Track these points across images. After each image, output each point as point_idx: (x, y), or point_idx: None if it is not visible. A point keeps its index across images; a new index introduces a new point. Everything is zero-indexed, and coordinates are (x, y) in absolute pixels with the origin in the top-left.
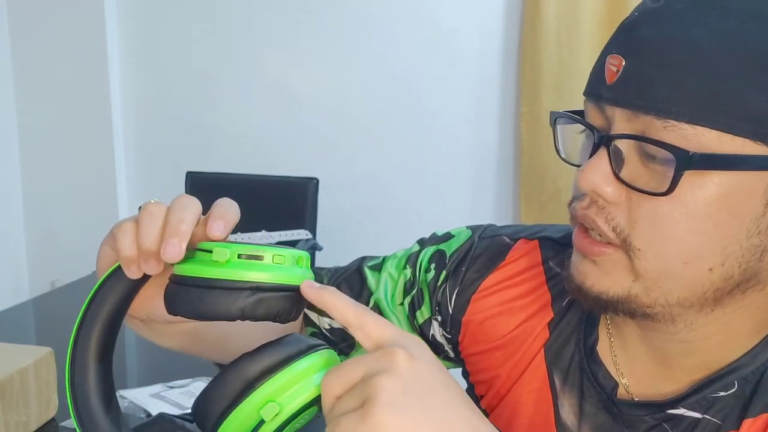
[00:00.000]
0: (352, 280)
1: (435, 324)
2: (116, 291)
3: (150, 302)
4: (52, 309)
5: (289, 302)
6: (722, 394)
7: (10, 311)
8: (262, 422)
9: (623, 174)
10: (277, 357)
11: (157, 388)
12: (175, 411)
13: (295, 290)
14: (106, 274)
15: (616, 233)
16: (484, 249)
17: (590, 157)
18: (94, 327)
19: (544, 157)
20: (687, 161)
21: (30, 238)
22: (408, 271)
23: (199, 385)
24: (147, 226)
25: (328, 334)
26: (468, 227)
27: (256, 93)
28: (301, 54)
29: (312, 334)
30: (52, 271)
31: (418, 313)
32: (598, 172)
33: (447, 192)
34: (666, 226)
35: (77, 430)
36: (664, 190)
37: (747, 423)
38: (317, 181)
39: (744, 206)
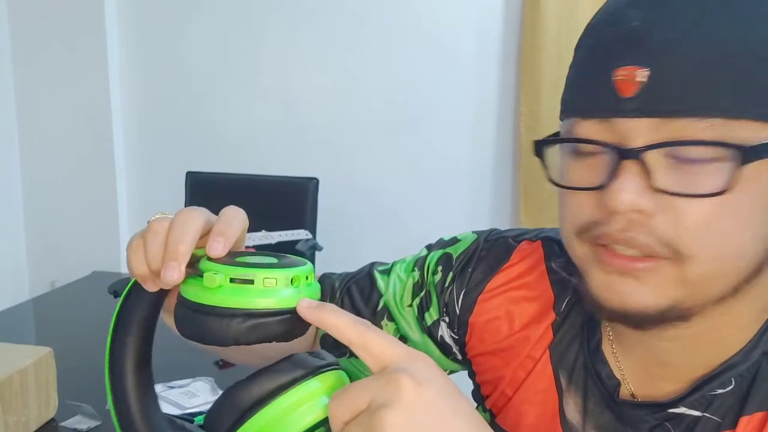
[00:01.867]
0: (363, 283)
1: (443, 325)
2: (141, 301)
3: None
4: (52, 309)
5: (284, 325)
6: (720, 391)
7: (10, 311)
8: None
9: (660, 184)
10: (283, 378)
11: (157, 388)
12: (175, 411)
13: (290, 312)
14: (128, 287)
15: (666, 246)
16: (489, 251)
17: (612, 176)
18: (128, 336)
19: None
20: (745, 155)
21: (30, 238)
22: (416, 274)
23: (199, 385)
24: (151, 246)
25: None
26: (474, 232)
27: (256, 93)
28: (301, 54)
29: (323, 337)
30: (52, 271)
31: (426, 315)
32: (632, 189)
33: (446, 192)
34: (720, 227)
35: None
36: (720, 189)
37: (743, 421)
38: (317, 181)
39: None
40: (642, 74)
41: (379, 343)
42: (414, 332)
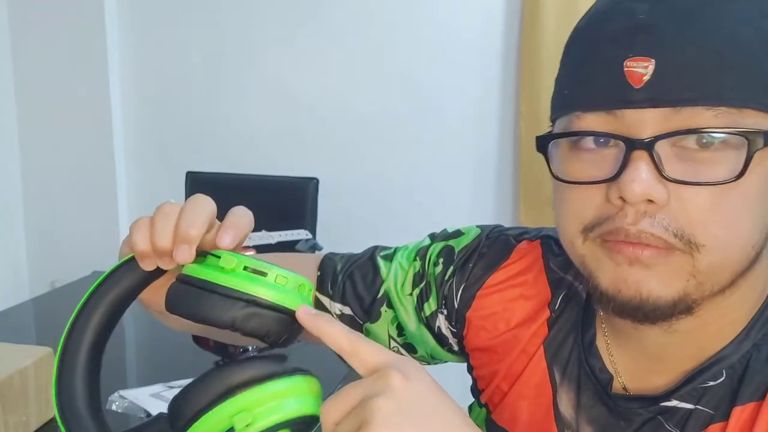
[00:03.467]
0: (365, 268)
1: (441, 317)
2: (127, 278)
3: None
4: (52, 309)
5: (280, 325)
6: (712, 383)
7: (10, 311)
8: (231, 430)
9: (670, 173)
10: (260, 371)
11: (157, 388)
12: None
13: (290, 314)
14: (121, 261)
15: (677, 237)
16: (490, 248)
17: (622, 167)
18: (98, 308)
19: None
20: (754, 142)
21: (30, 238)
22: (417, 264)
23: None
24: (160, 227)
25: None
26: (478, 226)
27: (256, 93)
28: (301, 54)
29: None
30: (52, 271)
31: (425, 306)
32: (644, 179)
33: (447, 192)
34: (729, 214)
35: (54, 404)
36: (734, 175)
37: (736, 411)
38: (317, 181)
39: None
40: (650, 65)
41: (370, 351)
42: (411, 321)
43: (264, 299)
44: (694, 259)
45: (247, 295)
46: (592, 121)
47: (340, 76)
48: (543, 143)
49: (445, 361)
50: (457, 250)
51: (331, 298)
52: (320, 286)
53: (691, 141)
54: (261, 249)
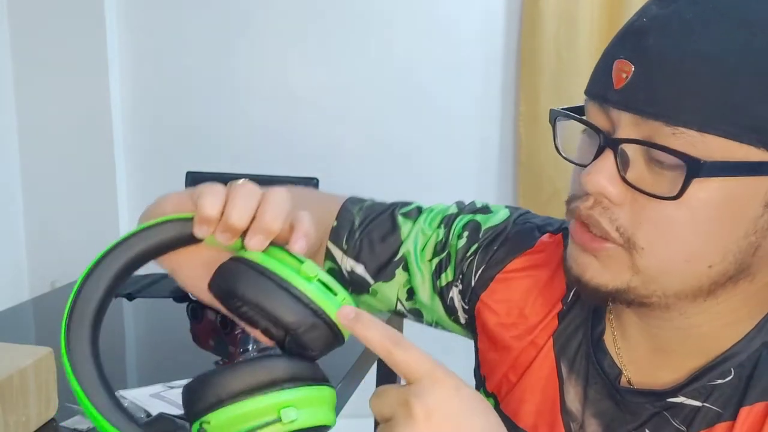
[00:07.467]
0: (384, 227)
1: (455, 290)
2: (173, 231)
3: (193, 276)
4: (51, 309)
5: (331, 344)
6: (720, 381)
7: (10, 311)
8: (276, 421)
9: (629, 176)
10: (310, 372)
11: (157, 388)
12: (175, 411)
13: (340, 339)
14: (179, 215)
15: (619, 233)
16: (517, 233)
17: (595, 158)
18: (136, 247)
19: (543, 157)
20: (697, 169)
21: (30, 238)
22: (441, 231)
23: None
24: (240, 204)
25: (346, 275)
26: (507, 207)
27: (256, 93)
28: (301, 54)
29: (329, 270)
30: (52, 271)
31: (442, 275)
32: (604, 174)
33: (447, 192)
34: (671, 229)
35: (62, 344)
36: (673, 194)
37: (744, 411)
38: (317, 181)
39: (745, 208)
40: (629, 70)
41: (404, 360)
42: (425, 289)
43: (329, 317)
44: (632, 257)
45: (318, 308)
46: (591, 108)
47: (340, 76)
48: (552, 116)
49: (448, 330)
50: (483, 228)
51: (345, 252)
52: (335, 237)
53: (652, 151)
54: None
